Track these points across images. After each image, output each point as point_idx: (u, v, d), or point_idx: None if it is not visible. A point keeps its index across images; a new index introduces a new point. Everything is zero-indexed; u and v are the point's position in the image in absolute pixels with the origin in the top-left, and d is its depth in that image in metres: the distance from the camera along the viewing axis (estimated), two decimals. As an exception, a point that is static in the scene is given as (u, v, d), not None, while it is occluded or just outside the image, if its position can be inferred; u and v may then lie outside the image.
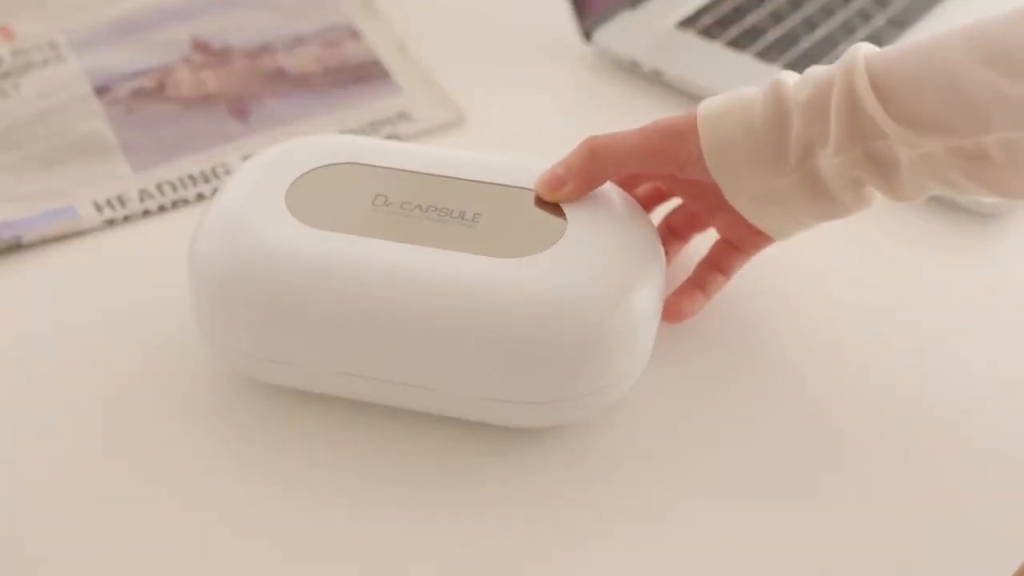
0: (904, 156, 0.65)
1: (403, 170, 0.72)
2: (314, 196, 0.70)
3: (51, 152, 0.86)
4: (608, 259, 0.67)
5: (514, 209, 0.70)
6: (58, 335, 0.75)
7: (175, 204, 0.83)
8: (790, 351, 0.75)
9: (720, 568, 0.65)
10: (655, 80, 0.93)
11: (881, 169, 0.67)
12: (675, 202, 0.78)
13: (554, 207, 0.69)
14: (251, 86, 0.91)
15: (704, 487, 0.68)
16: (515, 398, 0.67)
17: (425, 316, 0.66)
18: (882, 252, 0.81)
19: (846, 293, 0.78)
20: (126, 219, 0.82)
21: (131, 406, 0.71)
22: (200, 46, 0.95)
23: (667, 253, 0.76)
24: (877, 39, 0.95)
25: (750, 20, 0.97)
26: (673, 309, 0.73)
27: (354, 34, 0.96)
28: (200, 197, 0.84)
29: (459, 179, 0.71)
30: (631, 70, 0.94)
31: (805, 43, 0.95)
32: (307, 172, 0.71)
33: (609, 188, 0.71)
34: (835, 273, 0.79)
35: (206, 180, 0.84)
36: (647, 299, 0.68)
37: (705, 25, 0.96)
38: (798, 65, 0.93)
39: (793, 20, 0.97)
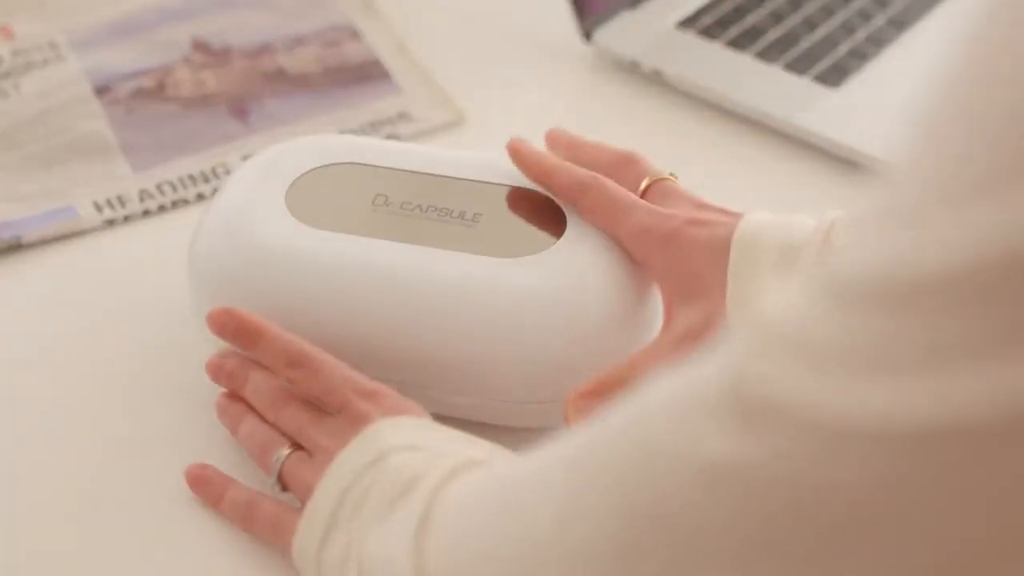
0: None
1: (403, 170, 0.72)
2: (314, 196, 0.70)
3: (51, 152, 0.86)
4: (607, 257, 0.67)
5: (514, 209, 0.70)
6: (58, 335, 0.75)
7: (175, 204, 0.83)
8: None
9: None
10: (655, 80, 0.93)
11: None
12: None
13: (553, 207, 0.69)
14: (251, 86, 0.91)
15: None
16: (515, 398, 0.67)
17: (425, 315, 0.66)
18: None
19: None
20: (126, 219, 0.82)
21: (131, 406, 0.71)
22: (200, 46, 0.94)
23: None
24: (877, 39, 0.95)
25: (750, 20, 0.97)
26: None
27: (354, 34, 0.96)
28: (200, 197, 0.83)
29: (459, 179, 0.71)
30: (631, 70, 0.94)
31: (805, 43, 0.95)
32: (307, 172, 0.71)
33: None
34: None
35: (206, 180, 0.84)
36: (646, 297, 0.68)
37: (705, 25, 0.96)
38: (798, 65, 0.93)
39: (793, 20, 0.97)
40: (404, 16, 0.99)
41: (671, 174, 0.71)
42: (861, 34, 0.96)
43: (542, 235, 0.68)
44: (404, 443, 0.59)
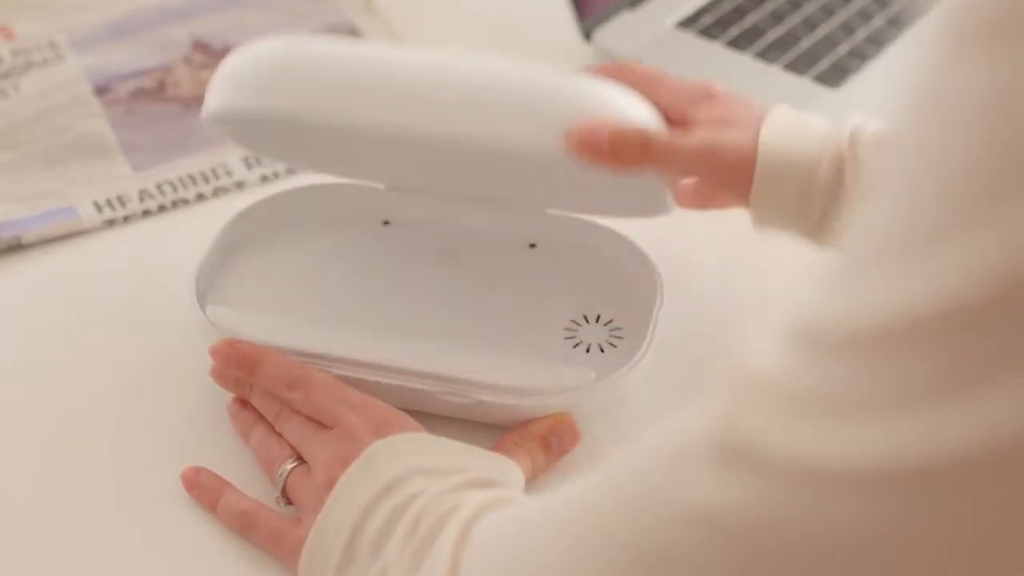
0: None
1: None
2: None
3: (51, 152, 0.86)
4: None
5: None
6: (58, 335, 0.75)
7: (175, 204, 0.83)
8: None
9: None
10: (655, 80, 0.93)
11: None
12: None
13: None
14: (251, 86, 0.91)
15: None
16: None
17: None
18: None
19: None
20: (126, 219, 0.82)
21: (131, 406, 0.71)
22: (200, 46, 0.94)
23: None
24: (877, 39, 0.95)
25: (750, 20, 0.97)
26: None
27: (354, 33, 0.96)
28: (200, 197, 0.83)
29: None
30: (631, 70, 0.94)
31: (805, 43, 0.95)
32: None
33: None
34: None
35: (206, 180, 0.84)
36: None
37: (705, 25, 0.96)
38: (798, 65, 0.93)
39: (793, 20, 0.97)
40: (404, 15, 0.99)
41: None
42: (861, 34, 0.96)
43: None
44: (406, 468, 0.60)
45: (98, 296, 0.77)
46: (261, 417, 0.68)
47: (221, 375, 0.68)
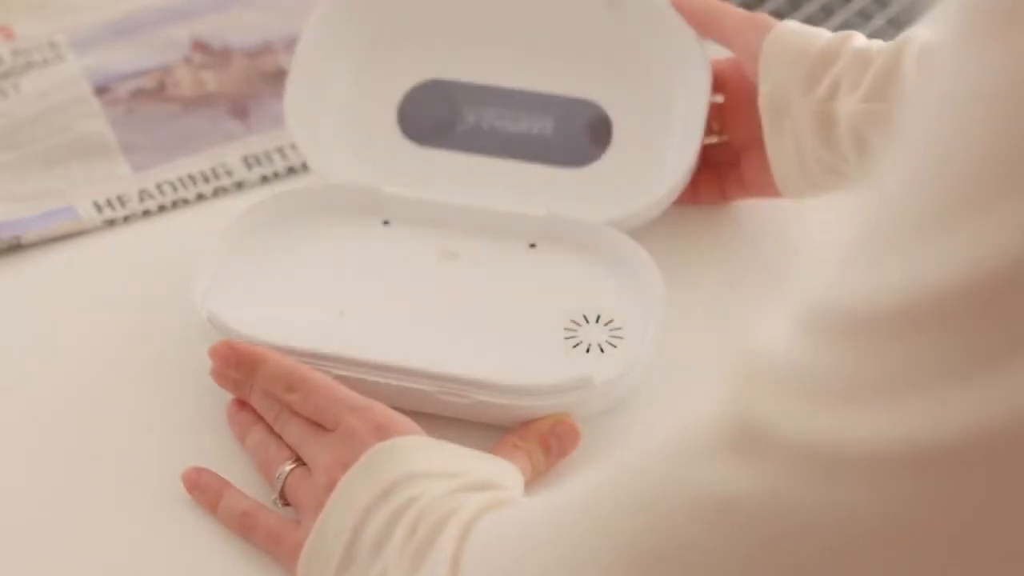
0: None
1: None
2: None
3: (51, 152, 0.86)
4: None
5: None
6: (58, 335, 0.75)
7: (175, 204, 0.83)
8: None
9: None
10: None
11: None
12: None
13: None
14: (251, 86, 0.91)
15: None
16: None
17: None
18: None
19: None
20: (126, 219, 0.82)
21: (131, 406, 0.71)
22: (200, 46, 0.94)
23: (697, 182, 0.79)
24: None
25: (750, 20, 0.97)
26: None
27: (354, 34, 0.96)
28: (200, 197, 0.83)
29: None
30: (631, 70, 0.94)
31: (805, 43, 0.95)
32: None
33: None
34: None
35: (206, 180, 0.84)
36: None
37: (705, 25, 0.96)
38: (798, 65, 0.93)
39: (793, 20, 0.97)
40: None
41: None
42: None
43: None
44: (406, 472, 0.60)
45: (98, 296, 0.77)
46: (260, 418, 0.68)
47: (221, 376, 0.68)
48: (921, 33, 0.69)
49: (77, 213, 0.82)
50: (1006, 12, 0.35)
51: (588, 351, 0.70)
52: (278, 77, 0.92)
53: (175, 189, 0.84)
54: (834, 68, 0.71)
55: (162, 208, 0.83)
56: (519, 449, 0.66)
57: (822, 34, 0.73)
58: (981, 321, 0.34)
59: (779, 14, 0.97)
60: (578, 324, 0.71)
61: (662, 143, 0.78)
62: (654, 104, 0.79)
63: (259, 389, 0.67)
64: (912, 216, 0.36)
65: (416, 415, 0.69)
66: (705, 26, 0.77)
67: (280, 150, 0.86)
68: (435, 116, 0.81)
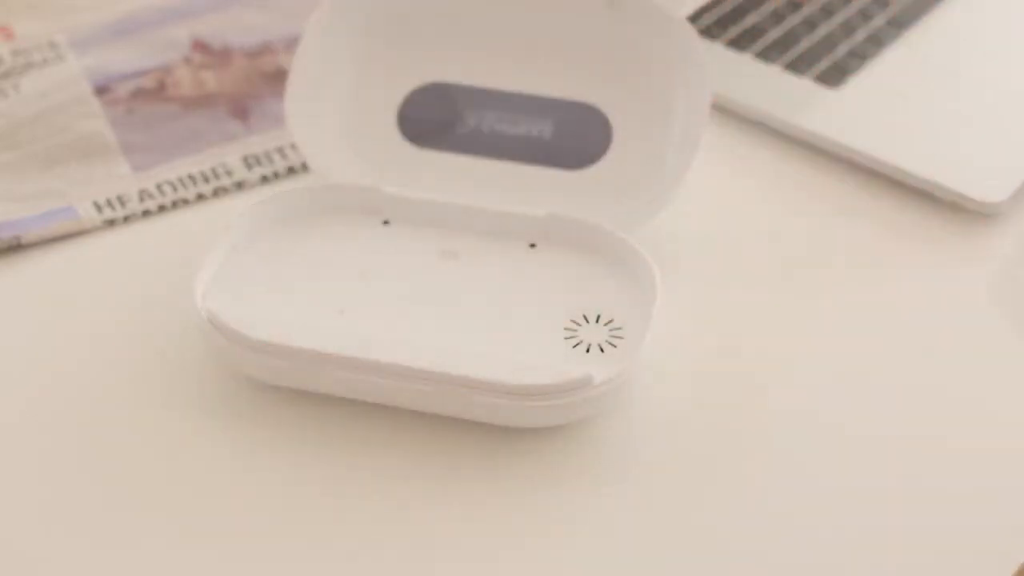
0: None
1: None
2: None
3: (51, 152, 0.86)
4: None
5: None
6: (58, 335, 0.75)
7: (175, 204, 0.83)
8: (789, 351, 0.75)
9: (725, 570, 0.65)
10: (655, 80, 0.93)
11: None
12: None
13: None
14: (251, 86, 0.91)
15: (703, 488, 0.68)
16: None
17: None
18: (881, 252, 0.81)
19: (844, 294, 0.78)
20: (126, 219, 0.82)
21: (131, 406, 0.71)
22: (200, 46, 0.95)
23: None
24: (877, 39, 0.95)
25: (750, 20, 0.97)
26: None
27: (354, 34, 0.96)
28: (200, 197, 0.84)
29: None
30: (631, 70, 0.94)
31: (805, 43, 0.95)
32: None
33: None
34: (835, 277, 0.79)
35: (206, 180, 0.84)
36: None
37: (705, 25, 0.96)
38: (798, 65, 0.93)
39: (793, 20, 0.97)
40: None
41: None
42: (861, 34, 0.96)
43: None
44: None
45: (98, 296, 0.77)
46: None
47: None
48: None
49: (77, 213, 0.82)
50: None
51: (588, 351, 0.70)
52: (278, 77, 0.92)
53: (175, 189, 0.84)
54: None
55: (162, 208, 0.83)
56: None
57: None
58: None
59: (779, 15, 0.97)
60: (578, 324, 0.72)
61: (662, 143, 0.78)
62: (654, 104, 0.79)
63: None
64: None
65: (416, 415, 0.69)
66: None
67: (280, 150, 0.86)
68: (435, 119, 0.81)
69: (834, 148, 0.87)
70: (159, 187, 0.84)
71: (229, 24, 0.96)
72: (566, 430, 0.70)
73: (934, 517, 0.67)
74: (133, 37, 0.95)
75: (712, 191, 0.81)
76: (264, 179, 0.85)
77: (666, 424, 0.71)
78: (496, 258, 0.75)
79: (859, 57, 0.94)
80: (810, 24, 0.97)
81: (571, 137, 0.80)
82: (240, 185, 0.84)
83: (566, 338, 0.71)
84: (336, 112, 0.81)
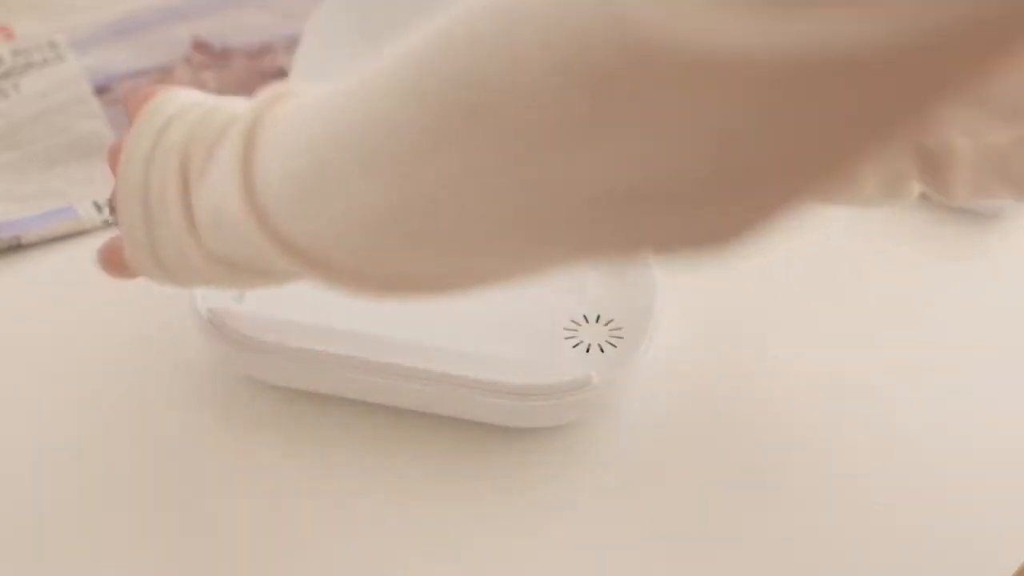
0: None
1: None
2: None
3: (51, 152, 0.86)
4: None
5: None
6: (58, 335, 0.75)
7: (175, 204, 0.83)
8: (789, 351, 0.75)
9: (725, 569, 0.65)
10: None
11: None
12: None
13: None
14: (251, 86, 0.91)
15: (703, 489, 0.68)
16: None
17: None
18: (881, 252, 0.81)
19: (845, 294, 0.78)
20: (126, 219, 0.82)
21: (131, 405, 0.71)
22: (200, 46, 0.94)
23: None
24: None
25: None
26: None
27: (354, 34, 0.96)
28: (200, 197, 0.83)
29: None
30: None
31: (805, 43, 0.95)
32: None
33: None
34: (835, 277, 0.79)
35: (206, 180, 0.84)
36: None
37: (705, 25, 0.96)
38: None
39: (793, 20, 0.97)
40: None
41: None
42: (861, 34, 0.96)
43: None
44: (194, 99, 0.58)
45: (98, 296, 0.77)
46: None
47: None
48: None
49: (77, 213, 0.82)
50: None
51: (588, 351, 0.70)
52: (278, 77, 0.92)
53: (175, 189, 0.84)
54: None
55: (162, 208, 0.83)
56: None
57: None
58: None
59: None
60: (578, 324, 0.71)
61: None
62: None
63: None
64: None
65: (416, 415, 0.69)
66: None
67: (280, 150, 0.86)
68: None
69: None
70: (159, 187, 0.84)
71: (229, 24, 0.96)
72: (566, 430, 0.70)
73: (935, 517, 0.67)
74: (133, 37, 0.95)
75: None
76: (264, 179, 0.85)
77: (666, 424, 0.71)
78: None
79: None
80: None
81: None
82: (240, 185, 0.84)
83: (566, 338, 0.71)
84: None
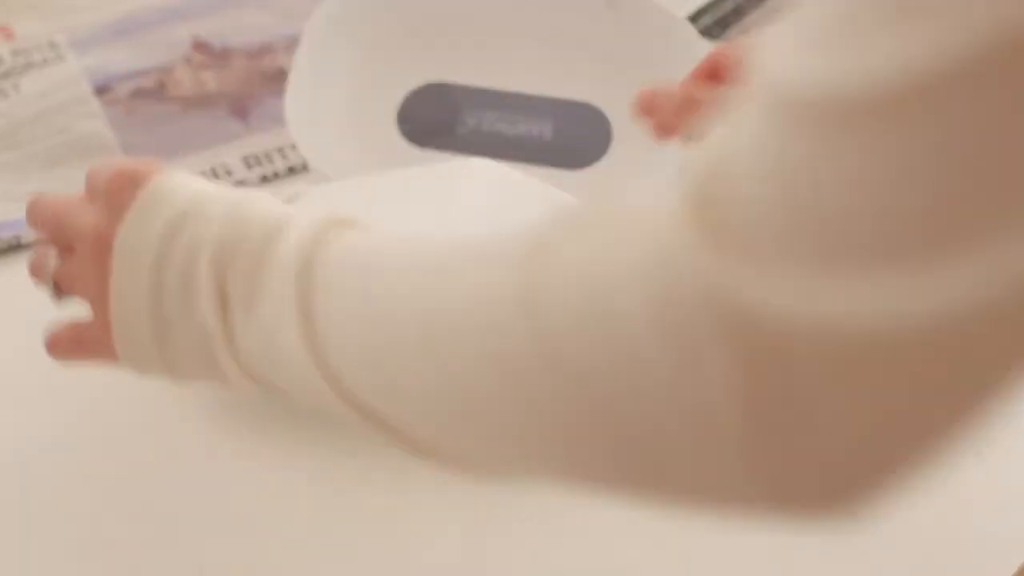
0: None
1: None
2: None
3: (51, 152, 0.86)
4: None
5: None
6: (58, 335, 0.75)
7: (175, 204, 0.83)
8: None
9: (725, 568, 0.65)
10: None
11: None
12: None
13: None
14: (251, 86, 0.91)
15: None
16: None
17: None
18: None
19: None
20: (126, 219, 0.82)
21: (130, 405, 0.71)
22: (200, 46, 0.94)
23: None
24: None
25: (750, 20, 0.97)
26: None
27: (354, 34, 0.96)
28: (200, 197, 0.83)
29: None
30: (631, 70, 0.94)
31: (805, 43, 0.95)
32: None
33: None
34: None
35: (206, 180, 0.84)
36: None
37: (705, 25, 0.96)
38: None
39: (793, 20, 0.97)
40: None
41: None
42: (861, 34, 0.96)
43: None
44: (190, 198, 0.56)
45: (98, 296, 0.77)
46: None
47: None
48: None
49: (77, 213, 0.82)
50: None
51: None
52: (278, 77, 0.92)
53: (175, 189, 0.84)
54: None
55: (162, 208, 0.83)
56: None
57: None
58: None
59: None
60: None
61: (662, 143, 0.78)
62: (654, 104, 0.79)
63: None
64: None
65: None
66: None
67: (280, 150, 0.86)
68: (435, 118, 0.81)
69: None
70: (159, 187, 0.84)
71: (229, 24, 0.96)
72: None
73: (935, 517, 0.67)
74: (133, 37, 0.95)
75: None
76: (264, 179, 0.85)
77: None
78: None
79: (859, 57, 0.94)
80: (810, 24, 0.97)
81: (571, 137, 0.80)
82: (240, 185, 0.84)
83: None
84: (336, 112, 0.81)
